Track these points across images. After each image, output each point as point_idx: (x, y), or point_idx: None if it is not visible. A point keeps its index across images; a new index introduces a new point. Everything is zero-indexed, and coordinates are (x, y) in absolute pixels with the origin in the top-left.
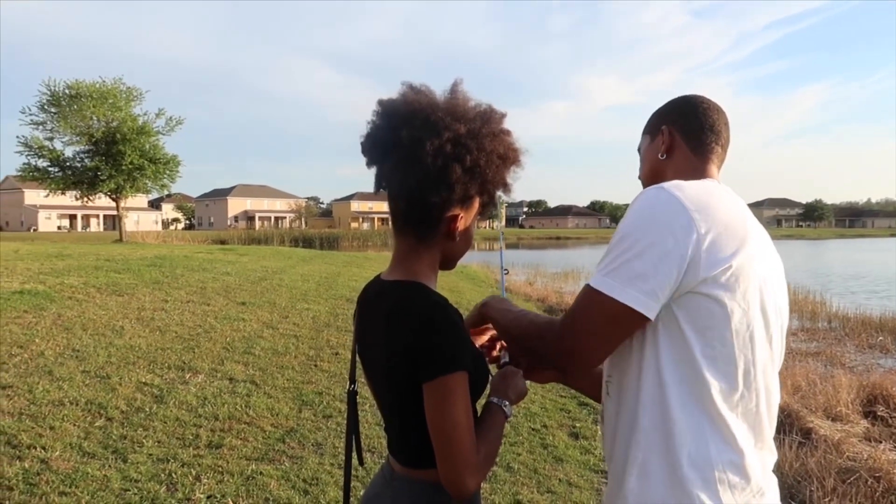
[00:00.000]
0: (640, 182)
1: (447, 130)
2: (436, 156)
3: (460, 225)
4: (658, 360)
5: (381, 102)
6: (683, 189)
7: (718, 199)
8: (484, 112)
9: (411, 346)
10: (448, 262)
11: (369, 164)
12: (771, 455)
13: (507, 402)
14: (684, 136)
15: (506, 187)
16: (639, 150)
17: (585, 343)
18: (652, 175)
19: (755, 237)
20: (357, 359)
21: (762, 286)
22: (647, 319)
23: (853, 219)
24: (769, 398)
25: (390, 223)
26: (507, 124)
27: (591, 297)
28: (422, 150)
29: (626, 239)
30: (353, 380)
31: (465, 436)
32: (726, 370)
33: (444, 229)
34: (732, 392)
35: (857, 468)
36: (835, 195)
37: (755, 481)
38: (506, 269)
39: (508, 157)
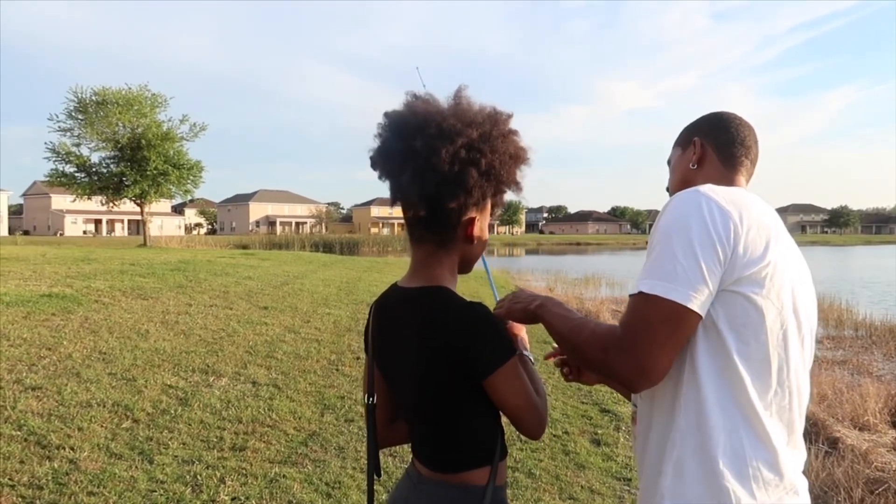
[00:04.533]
0: (667, 193)
1: (460, 136)
2: (452, 162)
3: (477, 227)
4: (694, 358)
5: (387, 115)
6: (717, 192)
7: (751, 202)
8: (491, 114)
9: (467, 346)
10: (465, 266)
11: (382, 177)
12: (801, 454)
13: (526, 352)
14: (715, 147)
15: (517, 186)
16: (668, 162)
17: (653, 353)
18: (682, 185)
19: (785, 240)
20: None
21: (794, 288)
22: (701, 318)
23: (880, 225)
24: (801, 398)
25: (407, 231)
26: (514, 124)
27: (649, 304)
28: (437, 157)
29: (670, 239)
30: (371, 393)
31: (533, 399)
32: (761, 368)
33: (462, 233)
34: (766, 390)
35: (885, 479)
36: (861, 201)
37: (788, 478)
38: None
39: (519, 156)
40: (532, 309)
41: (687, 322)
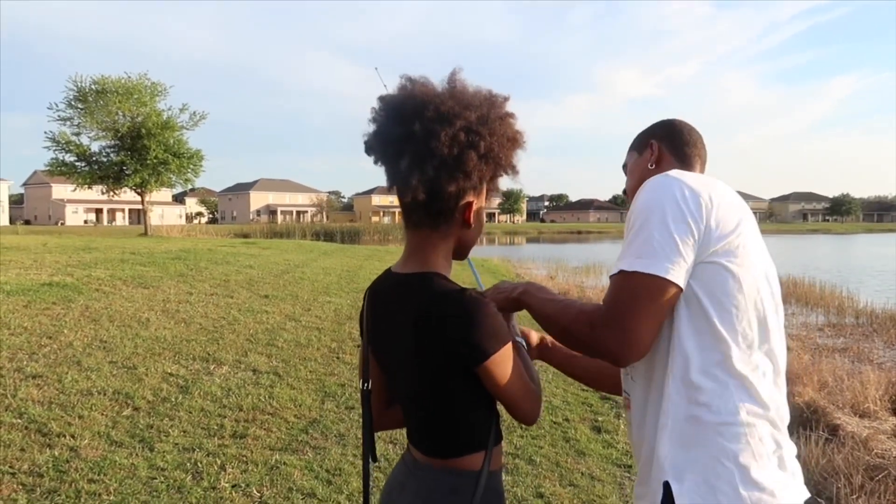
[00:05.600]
0: (624, 196)
1: (459, 119)
2: (451, 145)
3: (474, 212)
4: (679, 330)
5: (383, 99)
6: (686, 175)
7: (718, 185)
8: (488, 97)
9: (461, 332)
10: (462, 251)
11: (378, 162)
12: (787, 412)
13: (519, 338)
14: (670, 149)
15: (514, 170)
16: (624, 166)
17: (637, 325)
18: (641, 184)
19: (749, 216)
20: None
21: (762, 257)
22: (680, 289)
23: (882, 213)
24: (782, 357)
25: (403, 217)
26: (510, 107)
27: (629, 280)
28: (437, 140)
29: (644, 219)
30: (366, 378)
31: (527, 385)
32: (744, 332)
33: (460, 218)
34: (751, 352)
35: (885, 465)
36: (863, 189)
37: (782, 433)
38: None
39: (516, 139)
40: (515, 296)
41: (667, 293)
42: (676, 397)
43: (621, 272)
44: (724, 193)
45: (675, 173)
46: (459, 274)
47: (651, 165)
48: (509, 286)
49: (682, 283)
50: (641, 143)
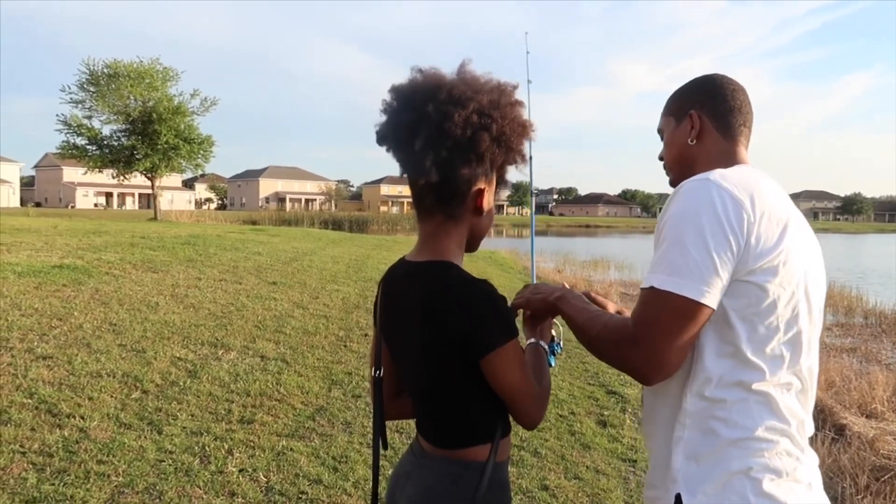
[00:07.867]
0: (660, 162)
1: (472, 101)
2: (465, 127)
3: (485, 199)
4: (703, 347)
5: (395, 88)
6: (729, 179)
7: (762, 187)
8: (498, 84)
9: (467, 324)
10: (474, 242)
11: (391, 149)
12: (810, 426)
13: (543, 343)
14: (713, 119)
15: (523, 158)
16: (659, 131)
17: (665, 348)
18: (680, 160)
19: (794, 219)
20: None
21: (806, 267)
22: (713, 310)
23: (893, 213)
24: (811, 373)
25: (415, 205)
26: (518, 95)
27: (660, 299)
28: (450, 122)
29: (680, 231)
30: (378, 366)
31: (530, 385)
32: (773, 353)
33: (472, 205)
34: (778, 371)
35: (891, 466)
36: (875, 188)
37: (801, 447)
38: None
39: (525, 126)
40: (552, 300)
41: (699, 317)
42: (694, 412)
43: (652, 289)
44: (769, 195)
45: (717, 177)
46: (485, 269)
47: (691, 141)
48: (548, 289)
49: (715, 305)
50: (680, 110)
